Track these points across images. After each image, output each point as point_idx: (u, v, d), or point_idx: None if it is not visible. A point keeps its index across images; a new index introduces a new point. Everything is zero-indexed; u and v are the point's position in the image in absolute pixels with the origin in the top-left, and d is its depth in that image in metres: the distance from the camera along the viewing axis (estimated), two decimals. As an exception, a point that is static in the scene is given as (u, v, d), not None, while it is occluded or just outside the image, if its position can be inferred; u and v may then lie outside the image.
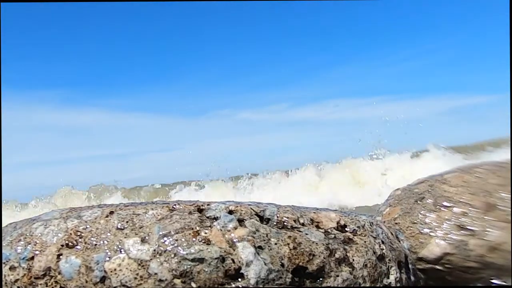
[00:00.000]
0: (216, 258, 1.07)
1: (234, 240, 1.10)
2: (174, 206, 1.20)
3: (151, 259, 1.08)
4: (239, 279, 1.07)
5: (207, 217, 1.16)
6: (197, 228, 1.12)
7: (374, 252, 1.26)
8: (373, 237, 1.30)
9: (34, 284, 1.14)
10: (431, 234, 1.49)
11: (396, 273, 1.29)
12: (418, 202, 1.61)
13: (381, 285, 1.24)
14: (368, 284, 1.20)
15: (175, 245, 1.09)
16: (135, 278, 1.07)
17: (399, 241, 1.47)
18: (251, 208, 1.20)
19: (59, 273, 1.12)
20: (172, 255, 1.08)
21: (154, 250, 1.09)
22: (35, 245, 1.18)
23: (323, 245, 1.17)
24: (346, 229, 1.28)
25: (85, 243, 1.15)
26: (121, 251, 1.11)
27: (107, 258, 1.10)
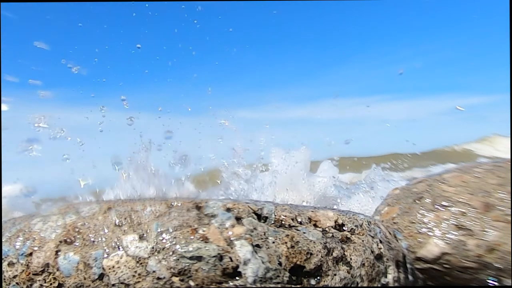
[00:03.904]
0: (214, 256, 1.07)
1: (232, 238, 1.10)
2: (173, 203, 1.20)
3: (149, 257, 1.08)
4: (237, 278, 1.07)
5: (205, 215, 1.16)
6: (195, 226, 1.12)
7: (372, 251, 1.26)
8: (371, 236, 1.30)
9: (32, 280, 1.14)
10: (430, 233, 1.49)
11: (394, 272, 1.29)
12: (417, 201, 1.61)
13: (379, 285, 1.23)
14: (365, 283, 1.20)
15: (174, 242, 1.09)
16: (133, 275, 1.07)
17: (397, 241, 1.47)
18: (249, 206, 1.20)
19: (58, 270, 1.12)
20: (170, 253, 1.08)
21: (153, 248, 1.09)
22: (33, 241, 1.18)
23: (321, 244, 1.17)
24: (344, 228, 1.28)
25: (83, 239, 1.15)
26: (119, 248, 1.11)
27: (105, 255, 1.11)
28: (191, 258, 1.07)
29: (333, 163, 3.21)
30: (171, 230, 1.11)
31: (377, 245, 1.29)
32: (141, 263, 1.08)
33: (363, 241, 1.26)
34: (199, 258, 1.07)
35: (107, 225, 1.16)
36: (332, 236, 1.23)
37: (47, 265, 1.13)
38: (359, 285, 1.18)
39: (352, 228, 1.28)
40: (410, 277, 1.40)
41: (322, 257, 1.15)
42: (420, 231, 1.51)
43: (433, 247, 1.47)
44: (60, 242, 1.16)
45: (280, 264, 1.10)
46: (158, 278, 1.06)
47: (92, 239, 1.14)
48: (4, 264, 1.18)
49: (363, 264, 1.21)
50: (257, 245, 1.10)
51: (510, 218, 1.42)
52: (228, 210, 1.18)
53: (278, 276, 1.09)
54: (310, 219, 1.25)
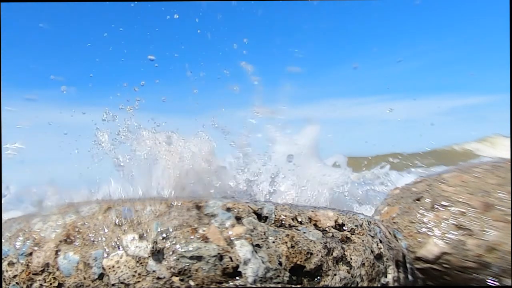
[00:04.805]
0: (214, 256, 1.07)
1: (232, 238, 1.10)
2: (173, 203, 1.20)
3: (149, 257, 1.08)
4: (237, 278, 1.07)
5: (205, 214, 1.16)
6: (195, 226, 1.12)
7: (372, 251, 1.26)
8: (371, 236, 1.30)
9: (32, 280, 1.14)
10: (429, 233, 1.49)
11: (394, 272, 1.30)
12: (417, 201, 1.61)
13: (379, 284, 1.24)
14: (365, 283, 1.20)
15: (174, 242, 1.09)
16: (133, 275, 1.07)
17: (397, 240, 1.47)
18: (249, 206, 1.20)
19: (58, 269, 1.12)
20: (170, 253, 1.08)
21: (153, 247, 1.09)
22: (33, 240, 1.18)
23: (321, 243, 1.17)
24: (344, 228, 1.28)
25: (83, 239, 1.15)
26: (119, 248, 1.11)
27: (105, 255, 1.11)
28: (191, 257, 1.07)
29: (343, 158, 3.12)
30: (171, 230, 1.11)
31: (377, 245, 1.29)
32: (141, 263, 1.08)
33: (363, 241, 1.26)
34: (199, 258, 1.07)
35: (107, 225, 1.16)
36: (332, 236, 1.23)
37: (47, 265, 1.13)
38: (359, 285, 1.18)
39: (352, 228, 1.28)
40: (410, 277, 1.40)
41: (322, 257, 1.15)
42: (419, 231, 1.52)
43: (433, 247, 1.47)
44: (60, 241, 1.16)
45: (280, 264, 1.10)
46: (158, 278, 1.06)
47: (92, 239, 1.14)
48: (4, 264, 1.18)
49: (363, 264, 1.21)
50: (257, 245, 1.10)
51: (510, 218, 1.42)
52: (228, 209, 1.18)
53: (278, 276, 1.09)
54: (310, 219, 1.25)
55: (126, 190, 1.69)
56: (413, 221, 1.55)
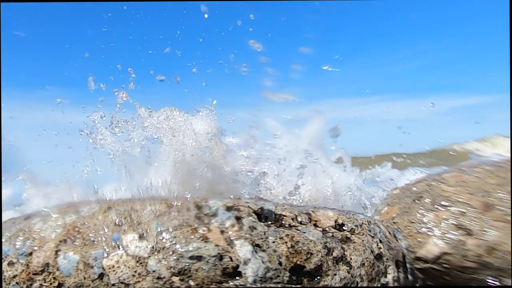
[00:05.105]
0: (214, 256, 1.07)
1: (232, 238, 1.10)
2: (173, 203, 1.20)
3: (149, 256, 1.08)
4: (237, 277, 1.07)
5: (205, 214, 1.16)
6: (195, 225, 1.12)
7: (372, 251, 1.26)
8: (371, 236, 1.30)
9: (32, 280, 1.14)
10: (429, 233, 1.49)
11: (394, 272, 1.30)
12: (416, 201, 1.61)
13: (379, 284, 1.24)
14: (365, 283, 1.20)
15: (174, 242, 1.09)
16: (133, 275, 1.07)
17: (397, 240, 1.47)
18: (249, 206, 1.20)
19: (58, 269, 1.12)
20: (170, 253, 1.08)
21: (153, 247, 1.09)
22: (33, 240, 1.18)
23: (321, 243, 1.17)
24: (344, 227, 1.28)
25: (83, 239, 1.15)
26: (119, 248, 1.11)
27: (105, 255, 1.11)
28: (191, 257, 1.07)
29: (346, 156, 3.05)
30: (171, 230, 1.11)
31: (377, 245, 1.29)
32: (141, 263, 1.08)
33: (363, 241, 1.26)
34: (199, 258, 1.07)
35: (107, 225, 1.16)
36: (332, 236, 1.23)
37: (47, 264, 1.13)
38: (359, 285, 1.18)
39: (352, 228, 1.29)
40: (410, 277, 1.40)
41: (322, 257, 1.15)
42: (419, 231, 1.52)
43: (433, 247, 1.47)
44: (60, 241, 1.16)
45: (280, 264, 1.10)
46: (158, 278, 1.06)
47: (92, 239, 1.14)
48: (4, 263, 1.18)
49: (363, 264, 1.21)
50: (257, 245, 1.10)
51: (510, 218, 1.42)
52: (228, 209, 1.18)
53: (278, 276, 1.09)
54: (310, 218, 1.25)
55: (125, 182, 1.66)
56: (413, 221, 1.55)
